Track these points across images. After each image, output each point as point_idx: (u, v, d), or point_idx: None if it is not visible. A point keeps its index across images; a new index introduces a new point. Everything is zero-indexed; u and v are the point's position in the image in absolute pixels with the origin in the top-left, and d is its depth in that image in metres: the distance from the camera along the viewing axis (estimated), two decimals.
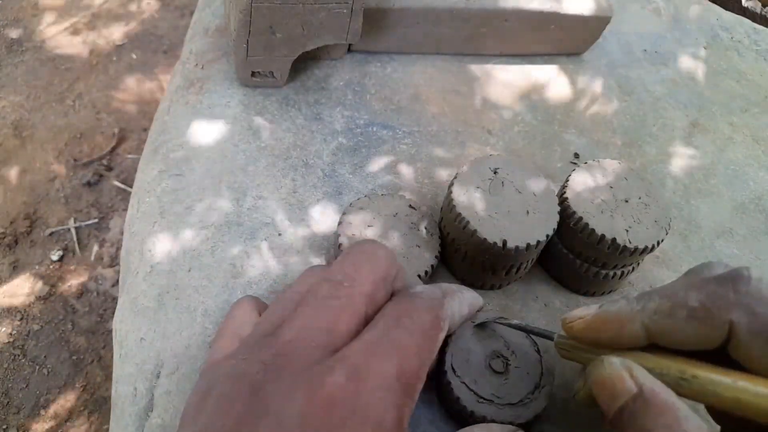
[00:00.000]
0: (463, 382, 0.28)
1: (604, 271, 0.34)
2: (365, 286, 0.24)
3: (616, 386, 0.22)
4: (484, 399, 0.28)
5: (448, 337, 0.30)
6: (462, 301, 0.27)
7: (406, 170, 0.41)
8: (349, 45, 0.46)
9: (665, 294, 0.22)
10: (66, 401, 0.94)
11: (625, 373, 0.22)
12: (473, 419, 0.28)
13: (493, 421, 0.28)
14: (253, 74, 0.42)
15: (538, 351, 0.30)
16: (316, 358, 0.21)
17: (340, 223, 0.32)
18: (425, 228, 0.34)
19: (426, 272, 0.32)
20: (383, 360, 0.21)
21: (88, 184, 1.19)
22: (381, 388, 0.20)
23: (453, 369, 0.29)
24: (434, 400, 0.31)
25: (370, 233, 0.34)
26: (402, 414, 0.20)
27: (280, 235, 0.37)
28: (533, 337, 0.30)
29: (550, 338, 0.28)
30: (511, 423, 0.28)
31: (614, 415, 0.22)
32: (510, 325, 0.30)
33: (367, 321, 0.23)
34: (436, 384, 0.31)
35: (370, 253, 0.25)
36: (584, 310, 0.25)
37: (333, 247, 0.35)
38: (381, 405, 0.20)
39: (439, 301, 0.24)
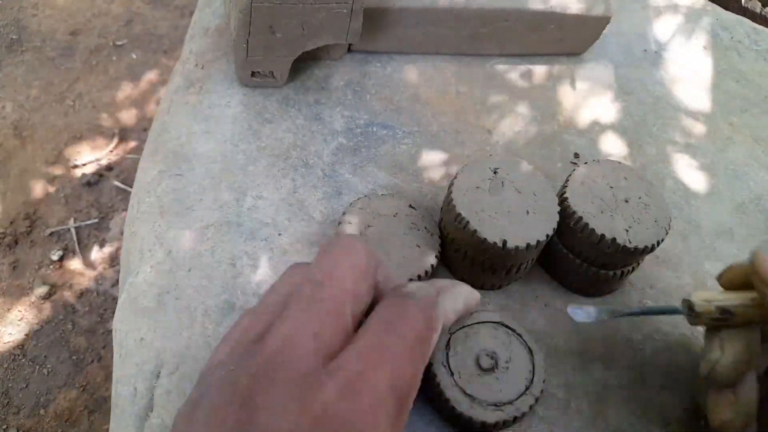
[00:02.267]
0: (455, 383, 0.28)
1: (604, 271, 0.34)
2: (347, 283, 0.23)
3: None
4: (474, 398, 0.28)
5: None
6: (457, 296, 0.26)
7: (406, 170, 0.41)
8: (349, 45, 0.46)
9: None
10: (66, 401, 0.94)
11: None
12: (463, 419, 0.28)
13: (484, 423, 0.28)
14: (253, 74, 0.42)
15: (530, 351, 0.30)
16: (305, 368, 0.21)
17: (339, 223, 0.32)
18: (425, 228, 0.34)
19: (426, 272, 0.32)
20: (376, 371, 0.20)
21: (88, 184, 1.18)
22: (374, 403, 0.20)
23: (443, 368, 0.29)
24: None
25: (370, 233, 0.34)
26: (396, 428, 0.20)
27: (280, 235, 0.37)
28: (524, 338, 0.30)
29: (677, 312, 0.27)
30: (502, 422, 0.28)
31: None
32: (631, 314, 0.29)
33: (353, 318, 0.23)
34: (425, 384, 0.31)
35: (348, 248, 0.25)
36: (737, 265, 0.24)
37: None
38: (374, 421, 0.20)
39: (432, 301, 0.24)
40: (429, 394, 0.30)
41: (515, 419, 0.28)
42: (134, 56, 1.42)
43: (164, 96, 0.46)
